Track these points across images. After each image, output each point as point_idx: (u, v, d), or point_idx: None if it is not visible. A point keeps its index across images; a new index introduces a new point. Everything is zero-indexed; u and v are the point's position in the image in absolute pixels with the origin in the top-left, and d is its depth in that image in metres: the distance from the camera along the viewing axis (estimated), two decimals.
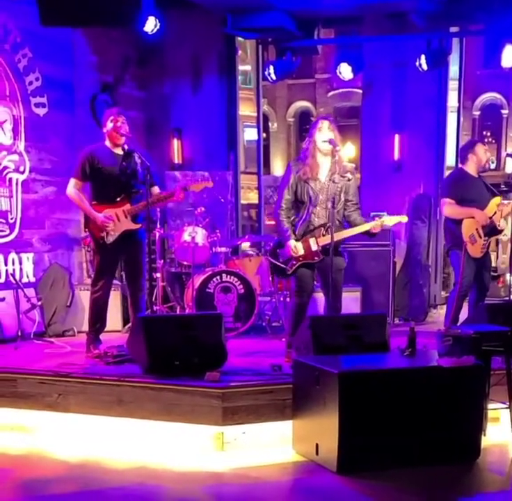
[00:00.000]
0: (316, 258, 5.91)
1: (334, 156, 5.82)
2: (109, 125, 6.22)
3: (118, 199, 6.23)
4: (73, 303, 7.70)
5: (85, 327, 6.68)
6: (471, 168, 6.84)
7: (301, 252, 5.88)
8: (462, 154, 6.95)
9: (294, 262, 5.93)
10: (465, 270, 6.66)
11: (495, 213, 6.67)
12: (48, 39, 8.00)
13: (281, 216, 5.94)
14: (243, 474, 4.60)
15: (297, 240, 5.91)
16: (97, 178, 6.26)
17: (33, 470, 4.74)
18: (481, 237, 6.66)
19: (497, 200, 6.75)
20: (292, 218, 5.96)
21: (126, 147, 6.28)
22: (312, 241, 5.90)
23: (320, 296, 6.56)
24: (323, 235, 5.85)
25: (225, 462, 4.77)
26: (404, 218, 6.10)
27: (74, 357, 6.26)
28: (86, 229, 6.53)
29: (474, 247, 6.66)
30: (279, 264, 6.03)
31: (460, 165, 7.04)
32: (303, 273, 5.96)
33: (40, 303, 7.39)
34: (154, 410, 5.12)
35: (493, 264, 8.51)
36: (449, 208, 6.76)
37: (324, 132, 5.83)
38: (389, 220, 5.98)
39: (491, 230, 6.69)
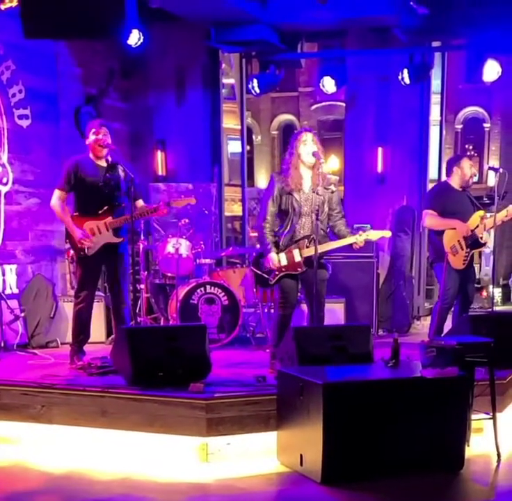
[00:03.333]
0: (299, 269, 5.92)
1: (318, 168, 5.84)
2: (91, 137, 6.23)
3: (100, 212, 6.23)
4: (56, 315, 7.66)
5: (69, 338, 6.66)
6: (455, 181, 6.88)
7: (284, 262, 5.90)
8: (448, 167, 6.98)
9: (276, 273, 5.94)
10: (448, 282, 6.69)
11: (477, 226, 6.71)
12: (31, 51, 7.98)
13: (265, 228, 5.94)
14: (228, 485, 4.59)
15: (281, 250, 5.92)
16: (80, 189, 6.27)
17: (17, 482, 4.70)
18: (462, 249, 6.69)
19: (480, 213, 6.79)
20: (276, 230, 5.96)
21: (109, 158, 6.31)
22: (295, 252, 5.91)
23: (304, 307, 6.57)
24: (307, 247, 5.86)
25: (209, 473, 4.75)
26: (387, 233, 6.14)
27: (58, 368, 6.22)
28: (67, 241, 6.54)
29: (455, 258, 6.69)
30: (262, 273, 6.05)
31: (445, 179, 7.10)
32: (287, 285, 5.96)
33: (23, 314, 7.36)
34: (137, 422, 5.09)
35: (476, 276, 8.54)
36: (429, 219, 6.80)
37: (308, 145, 5.83)
38: (373, 235, 6.01)
39: (473, 243, 6.71)
